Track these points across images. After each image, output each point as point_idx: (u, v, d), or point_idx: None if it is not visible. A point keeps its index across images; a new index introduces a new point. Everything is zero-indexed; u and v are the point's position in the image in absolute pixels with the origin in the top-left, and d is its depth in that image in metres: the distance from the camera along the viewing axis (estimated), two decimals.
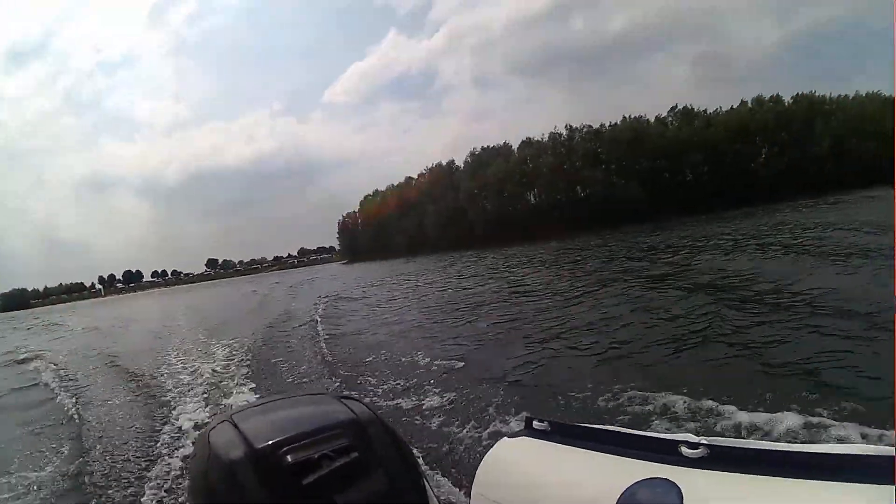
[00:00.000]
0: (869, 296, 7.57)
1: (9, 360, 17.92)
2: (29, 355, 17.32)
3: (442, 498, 3.82)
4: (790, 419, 4.15)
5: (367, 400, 6.56)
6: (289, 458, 1.08)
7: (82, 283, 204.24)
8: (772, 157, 55.06)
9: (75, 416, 7.90)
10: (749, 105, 59.75)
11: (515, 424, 5.02)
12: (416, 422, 5.72)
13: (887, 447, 1.18)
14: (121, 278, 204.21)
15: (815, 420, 4.07)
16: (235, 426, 1.21)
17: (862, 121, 50.06)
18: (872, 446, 1.23)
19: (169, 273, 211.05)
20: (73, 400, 9.10)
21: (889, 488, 1.05)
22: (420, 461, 1.43)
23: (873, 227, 15.01)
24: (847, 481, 1.11)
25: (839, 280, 9.18)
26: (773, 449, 1.36)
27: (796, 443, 2.99)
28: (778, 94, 59.55)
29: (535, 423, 1.92)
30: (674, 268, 14.58)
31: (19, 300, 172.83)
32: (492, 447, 1.98)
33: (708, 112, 61.73)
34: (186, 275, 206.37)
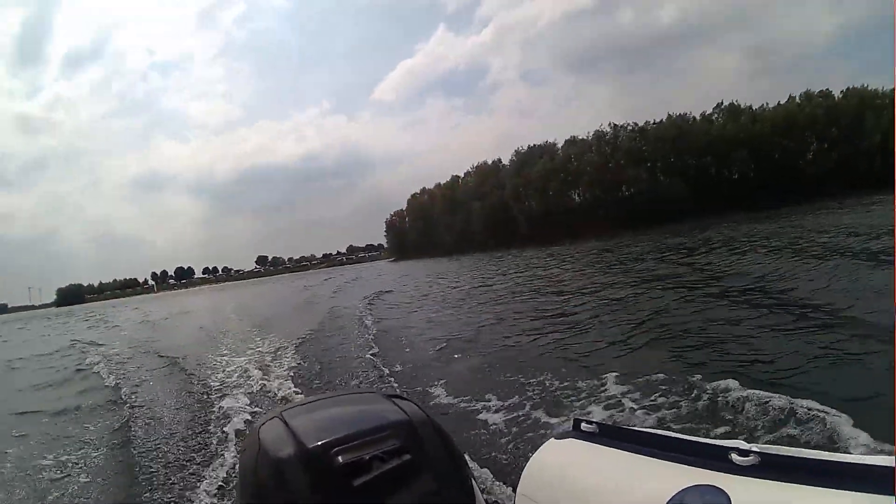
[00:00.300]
0: None
1: (67, 351, 18.43)
2: (85, 347, 17.90)
3: (489, 499, 3.77)
4: (846, 430, 3.98)
5: (416, 398, 6.56)
6: (340, 458, 1.06)
7: (136, 279, 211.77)
8: (820, 154, 52.86)
9: (126, 406, 8.07)
10: (797, 100, 57.38)
11: (563, 425, 4.90)
12: (464, 420, 5.67)
13: None
14: (173, 274, 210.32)
15: (868, 432, 3.84)
16: (286, 423, 1.19)
17: None
18: None
19: (220, 269, 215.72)
20: (125, 390, 9.31)
21: None
22: (468, 461, 1.32)
23: None
24: None
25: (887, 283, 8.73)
26: (827, 459, 1.30)
27: (851, 453, 2.87)
28: (827, 89, 56.99)
29: (584, 425, 1.89)
30: (719, 270, 14.20)
31: (75, 295, 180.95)
32: (539, 448, 1.96)
33: (754, 108, 59.74)
34: (237, 271, 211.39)
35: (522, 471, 1.88)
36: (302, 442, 1.10)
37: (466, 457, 1.47)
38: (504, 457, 4.59)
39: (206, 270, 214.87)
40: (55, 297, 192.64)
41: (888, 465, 1.13)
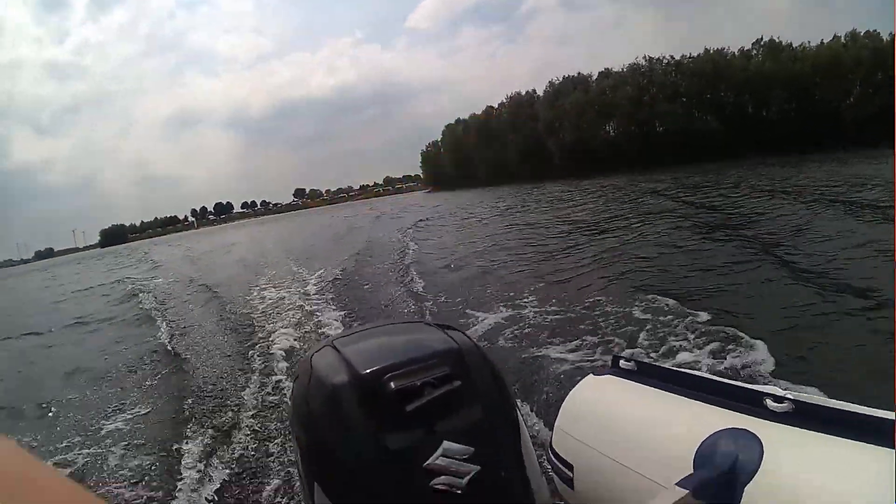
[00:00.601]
0: None
1: (113, 288, 18.85)
2: (130, 284, 18.19)
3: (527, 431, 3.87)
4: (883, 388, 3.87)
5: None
6: (392, 384, 1.06)
7: (175, 217, 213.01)
8: (863, 98, 49.57)
9: (172, 341, 8.22)
10: (843, 40, 53.84)
11: (602, 362, 4.90)
12: (506, 352, 5.65)
13: None
14: (212, 210, 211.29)
15: None
16: (338, 351, 1.20)
17: None
18: None
19: (258, 203, 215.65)
20: (170, 325, 9.54)
21: None
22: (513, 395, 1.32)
23: None
24: None
25: None
26: (864, 413, 1.31)
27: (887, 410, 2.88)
28: (875, 30, 52.68)
29: (622, 362, 1.91)
30: (759, 212, 13.38)
31: (118, 235, 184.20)
32: (577, 384, 1.99)
33: (794, 46, 56.76)
34: (275, 205, 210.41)
35: (561, 405, 1.92)
36: (355, 368, 1.12)
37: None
38: (544, 390, 4.58)
39: (244, 205, 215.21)
40: (99, 238, 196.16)
41: None
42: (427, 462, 1.03)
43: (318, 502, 1.08)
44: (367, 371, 1.10)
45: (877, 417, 1.24)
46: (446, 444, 1.05)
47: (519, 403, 3.74)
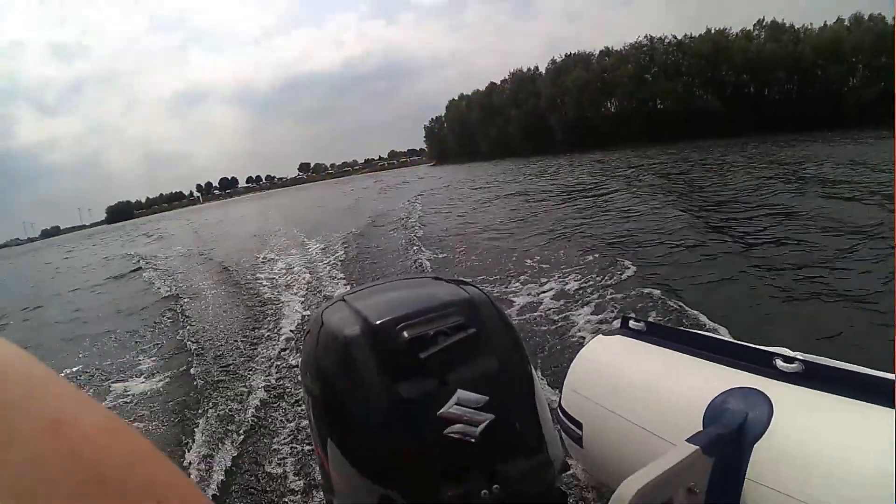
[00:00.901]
0: None
1: (120, 262, 18.87)
2: (138, 258, 18.01)
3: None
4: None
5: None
6: (405, 333, 1.05)
7: (181, 192, 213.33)
8: (865, 82, 48.49)
9: (181, 311, 8.13)
10: (846, 23, 52.48)
11: (612, 323, 4.66)
12: (516, 312, 5.64)
13: None
14: (217, 185, 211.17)
15: None
16: (349, 305, 1.18)
17: None
18: None
19: (263, 178, 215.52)
20: (180, 295, 9.45)
21: None
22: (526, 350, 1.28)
23: None
24: None
25: None
26: (872, 374, 1.33)
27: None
28: (880, 13, 50.92)
29: (632, 323, 1.94)
30: (756, 187, 13.37)
31: (124, 212, 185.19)
32: (587, 343, 2.05)
33: (797, 27, 55.74)
34: (280, 179, 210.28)
35: (570, 364, 1.97)
36: (367, 320, 1.10)
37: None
38: (555, 349, 4.61)
39: (249, 180, 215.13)
40: (105, 215, 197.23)
41: None
42: (441, 410, 1.02)
43: (332, 458, 1.07)
44: (380, 321, 1.09)
45: (884, 378, 1.27)
46: (461, 392, 1.04)
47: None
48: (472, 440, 1.02)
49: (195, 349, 5.99)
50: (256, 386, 4.67)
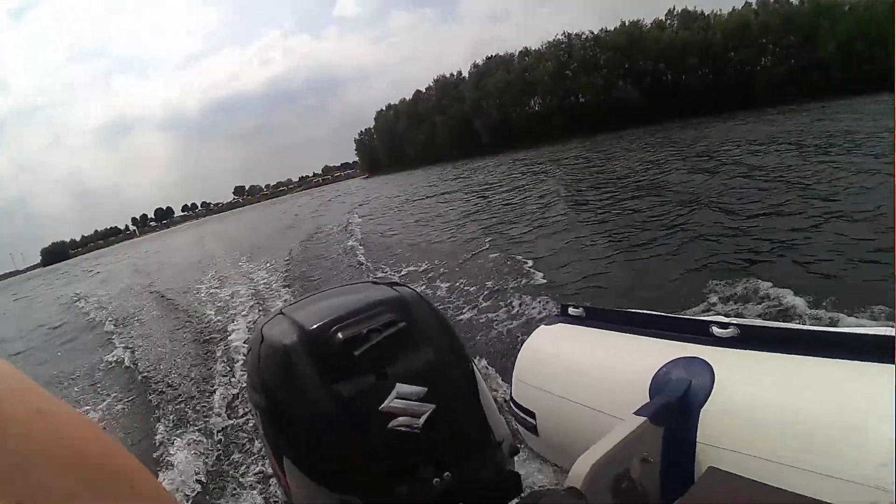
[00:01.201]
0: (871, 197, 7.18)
1: (59, 303, 17.99)
2: (76, 298, 17.20)
3: (487, 387, 3.73)
4: (815, 302, 4.03)
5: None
6: (339, 334, 1.06)
7: (117, 227, 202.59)
8: (775, 62, 49.69)
9: (128, 347, 7.78)
10: (753, 6, 53.56)
11: (551, 312, 4.66)
12: (456, 314, 5.59)
13: None
14: (153, 216, 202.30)
15: (832, 304, 3.92)
16: (287, 316, 1.18)
17: (870, 24, 40.52)
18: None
19: (199, 205, 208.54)
20: (122, 331, 9.10)
21: None
22: (466, 346, 1.33)
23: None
24: (875, 361, 1.14)
25: (839, 177, 8.83)
26: (802, 328, 1.44)
27: (824, 325, 3.17)
28: None
29: (571, 310, 1.98)
30: (680, 161, 14.36)
31: (59, 253, 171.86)
32: (530, 335, 2.07)
33: (706, 14, 56.60)
34: (216, 204, 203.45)
35: (516, 357, 2.00)
36: (303, 327, 1.10)
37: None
38: (497, 345, 4.57)
39: (185, 208, 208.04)
40: (40, 257, 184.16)
41: (865, 333, 1.24)
42: (382, 405, 1.03)
43: (288, 471, 1.07)
44: (314, 327, 1.10)
45: (819, 332, 1.33)
46: (399, 385, 1.05)
47: (476, 361, 3.66)
48: (417, 431, 1.04)
49: (146, 380, 5.88)
50: (211, 408, 4.59)
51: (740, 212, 7.80)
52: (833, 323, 3.58)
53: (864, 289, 4.24)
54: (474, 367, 1.22)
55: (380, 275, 8.47)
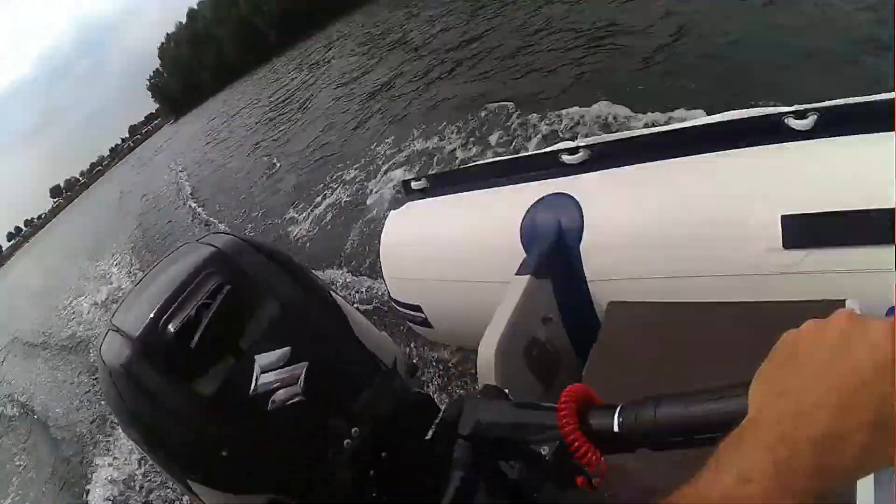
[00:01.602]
0: None
1: None
2: None
3: (361, 297, 3.72)
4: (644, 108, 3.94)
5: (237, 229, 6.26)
6: (170, 328, 0.90)
7: None
8: None
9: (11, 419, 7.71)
10: None
11: (393, 195, 4.70)
12: (297, 240, 5.45)
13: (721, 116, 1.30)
14: None
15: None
16: (117, 329, 0.98)
17: None
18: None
19: (23, 227, 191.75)
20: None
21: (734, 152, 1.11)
22: (317, 278, 1.11)
23: None
24: (732, 147, 1.14)
25: None
26: (650, 132, 1.45)
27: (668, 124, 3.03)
28: None
29: (413, 184, 1.87)
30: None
31: None
32: (383, 227, 1.97)
33: None
34: (39, 217, 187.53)
35: (378, 257, 1.91)
36: (131, 336, 0.93)
37: (320, 273, 1.53)
38: (355, 253, 4.43)
39: (10, 236, 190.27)
40: None
41: (704, 122, 1.28)
42: (252, 387, 0.90)
43: (203, 495, 0.96)
44: (141, 331, 0.93)
45: (664, 132, 1.36)
46: (259, 357, 0.92)
47: (349, 279, 3.87)
48: (302, 398, 0.91)
49: (42, 424, 5.96)
50: (122, 453, 4.53)
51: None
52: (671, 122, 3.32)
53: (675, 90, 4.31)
54: (335, 297, 1.06)
55: (215, 217, 8.58)
